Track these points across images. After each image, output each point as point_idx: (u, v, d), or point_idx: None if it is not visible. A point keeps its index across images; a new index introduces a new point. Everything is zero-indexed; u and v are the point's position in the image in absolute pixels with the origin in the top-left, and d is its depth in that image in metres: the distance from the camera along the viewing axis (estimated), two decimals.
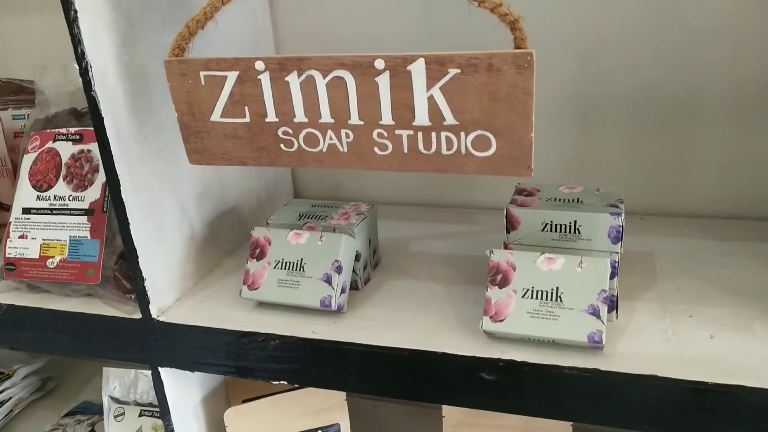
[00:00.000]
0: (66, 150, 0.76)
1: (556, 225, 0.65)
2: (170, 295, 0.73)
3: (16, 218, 0.76)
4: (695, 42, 0.79)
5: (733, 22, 0.77)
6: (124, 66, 0.65)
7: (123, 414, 0.93)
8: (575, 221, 0.64)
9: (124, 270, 0.72)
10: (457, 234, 0.88)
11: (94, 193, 0.74)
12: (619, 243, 0.63)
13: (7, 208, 0.92)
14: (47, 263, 0.74)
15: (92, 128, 0.75)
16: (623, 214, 0.63)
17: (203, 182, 0.79)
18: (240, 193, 0.87)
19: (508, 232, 0.67)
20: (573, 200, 0.67)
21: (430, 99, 0.53)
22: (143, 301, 0.70)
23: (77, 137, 0.76)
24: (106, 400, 0.95)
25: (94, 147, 0.75)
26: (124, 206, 0.66)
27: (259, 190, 0.92)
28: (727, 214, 0.86)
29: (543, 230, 0.65)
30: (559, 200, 0.68)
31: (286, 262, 0.69)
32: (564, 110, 0.87)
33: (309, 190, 1.04)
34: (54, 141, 0.77)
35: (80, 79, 0.82)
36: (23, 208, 0.76)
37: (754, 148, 0.82)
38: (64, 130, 0.77)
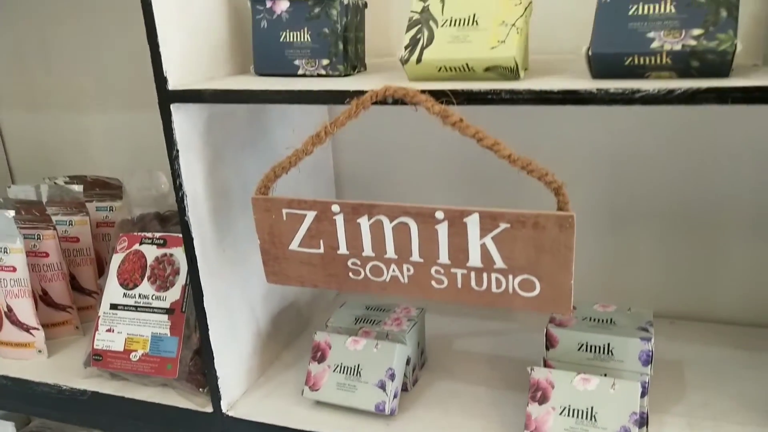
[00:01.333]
0: (151, 253, 0.85)
1: (591, 346, 0.71)
2: (238, 389, 0.81)
3: (104, 312, 0.85)
4: (722, 157, 0.86)
5: (757, 141, 0.84)
6: (210, 188, 0.74)
7: None
8: (608, 344, 0.71)
9: (199, 365, 0.80)
10: (496, 332, 0.94)
11: (174, 293, 0.83)
12: (649, 365, 0.69)
13: (88, 293, 1.02)
14: (130, 356, 0.82)
15: (174, 234, 0.84)
16: (653, 339, 0.70)
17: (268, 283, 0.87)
18: (298, 289, 0.95)
19: (547, 349, 0.73)
20: (606, 320, 0.74)
21: (483, 246, 0.61)
22: (215, 396, 0.77)
23: (161, 242, 0.85)
24: None
25: (176, 251, 0.84)
26: (205, 313, 0.74)
27: None
28: (753, 322, 0.91)
29: (579, 350, 0.72)
30: (594, 320, 0.74)
31: (344, 367, 0.76)
32: (596, 219, 0.94)
33: None
34: (140, 244, 0.86)
35: (163, 186, 0.92)
36: (111, 304, 0.85)
37: None
38: (149, 234, 0.86)
